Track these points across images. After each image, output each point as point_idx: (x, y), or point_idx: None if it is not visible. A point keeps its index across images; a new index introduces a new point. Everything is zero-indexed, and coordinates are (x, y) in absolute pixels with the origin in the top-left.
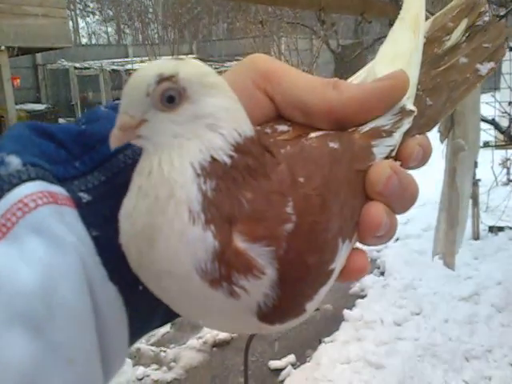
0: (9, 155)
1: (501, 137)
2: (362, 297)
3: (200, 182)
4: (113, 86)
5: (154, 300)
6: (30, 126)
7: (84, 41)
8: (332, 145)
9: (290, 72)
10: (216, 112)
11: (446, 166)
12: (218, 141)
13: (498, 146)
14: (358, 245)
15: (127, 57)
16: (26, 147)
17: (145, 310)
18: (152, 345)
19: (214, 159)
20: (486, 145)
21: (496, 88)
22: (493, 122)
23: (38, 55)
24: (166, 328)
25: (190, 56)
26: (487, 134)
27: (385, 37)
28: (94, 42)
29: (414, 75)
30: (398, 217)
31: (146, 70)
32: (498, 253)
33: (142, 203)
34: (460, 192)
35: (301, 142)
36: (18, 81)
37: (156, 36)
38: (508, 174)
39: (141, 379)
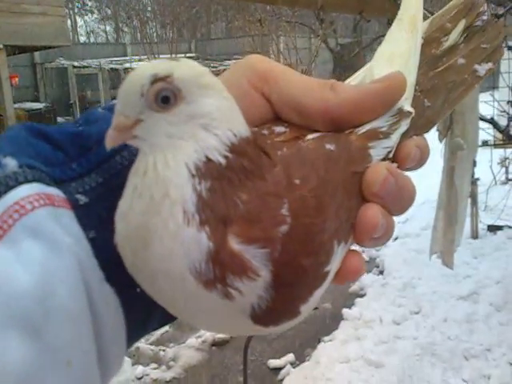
0: (5, 157)
1: (499, 136)
2: (361, 296)
3: (195, 183)
4: (111, 84)
5: (151, 302)
6: (27, 128)
7: (82, 39)
8: (328, 146)
9: (287, 73)
10: (211, 112)
11: (445, 165)
12: (212, 141)
13: (496, 145)
14: (354, 246)
15: (126, 55)
16: (23, 149)
17: (142, 312)
18: (151, 344)
19: (208, 159)
20: (485, 144)
21: (495, 87)
22: (491, 121)
23: (36, 54)
24: (165, 327)
25: (188, 55)
26: (486, 133)
27: (383, 36)
28: (92, 40)
29: (411, 76)
30: (397, 216)
31: (141, 70)
32: (496, 252)
33: (136, 203)
34: (458, 191)
35: (297, 144)
36: (17, 79)
37: (154, 35)
38: (507, 173)
39: (140, 378)
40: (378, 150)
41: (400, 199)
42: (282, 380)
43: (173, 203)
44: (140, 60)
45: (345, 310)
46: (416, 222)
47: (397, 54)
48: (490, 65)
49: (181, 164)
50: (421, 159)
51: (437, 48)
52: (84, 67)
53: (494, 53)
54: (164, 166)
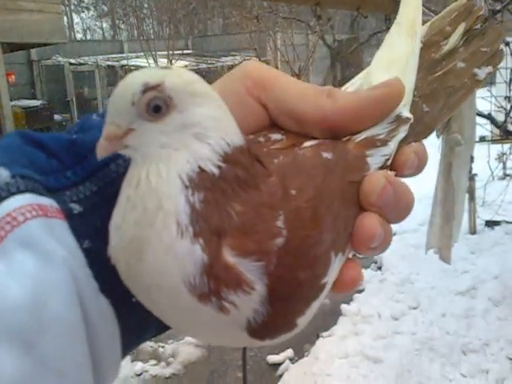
0: None
1: (497, 131)
2: (360, 291)
3: (188, 194)
4: (108, 81)
5: (147, 312)
6: (21, 136)
7: (79, 36)
8: (325, 155)
9: (284, 80)
10: (203, 121)
11: (442, 161)
12: (205, 151)
13: (494, 141)
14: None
15: (122, 52)
16: (17, 158)
17: (137, 321)
18: (150, 340)
19: (201, 170)
20: (482, 140)
21: (492, 83)
22: (489, 117)
23: (33, 51)
24: None
25: (185, 51)
26: (483, 128)
27: (380, 32)
28: (88, 37)
29: (410, 81)
30: (395, 224)
31: (132, 78)
32: (494, 247)
33: (130, 215)
34: (456, 186)
35: (294, 152)
36: (13, 77)
37: (151, 31)
38: (504, 168)
39: (139, 375)
40: (375, 157)
41: (398, 207)
42: (281, 375)
43: (166, 215)
44: (137, 57)
45: (343, 306)
46: (414, 218)
47: (395, 59)
48: (489, 68)
49: (174, 175)
50: (419, 166)
51: (436, 52)
52: (81, 64)
53: (494, 56)
54: (157, 177)
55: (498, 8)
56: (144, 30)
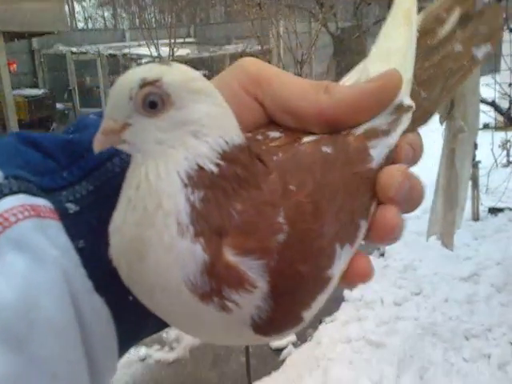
0: None
1: (501, 119)
2: None
3: (188, 193)
4: (110, 70)
5: (144, 310)
6: (17, 136)
7: (80, 25)
8: (325, 149)
9: (280, 76)
10: (201, 119)
11: (444, 148)
12: (203, 148)
13: (497, 128)
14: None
15: (124, 41)
16: (11, 158)
17: (134, 320)
18: None
19: (200, 168)
20: (486, 127)
21: (496, 70)
22: (493, 104)
23: (34, 40)
24: None
25: (187, 39)
26: (487, 115)
27: (384, 19)
28: (90, 26)
29: (409, 71)
30: (407, 214)
31: (131, 73)
32: (497, 234)
33: (130, 216)
34: (459, 173)
35: (293, 149)
36: (15, 66)
37: (153, 20)
38: (508, 155)
39: (143, 360)
40: (378, 148)
41: (412, 200)
42: (283, 360)
43: (166, 214)
44: (139, 45)
45: (346, 292)
46: None
47: (393, 50)
48: (488, 47)
49: (172, 173)
50: (414, 157)
51: (432, 38)
52: (82, 53)
53: (493, 35)
54: (156, 177)
55: None
56: (146, 19)
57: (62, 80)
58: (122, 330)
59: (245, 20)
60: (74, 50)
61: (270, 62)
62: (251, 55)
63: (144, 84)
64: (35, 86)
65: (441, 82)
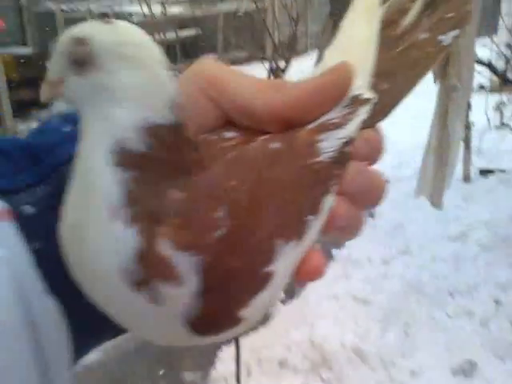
0: None
1: (496, 80)
2: None
3: (117, 171)
4: None
5: (101, 312)
6: None
7: None
8: (272, 145)
9: (236, 78)
10: (125, 88)
11: (437, 107)
12: (126, 121)
13: (492, 90)
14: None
15: None
16: None
17: (92, 322)
18: None
19: (127, 143)
20: (481, 88)
21: (494, 29)
22: (489, 64)
23: None
24: None
25: None
26: (482, 76)
27: None
28: None
29: (368, 62)
30: (390, 160)
31: (71, 30)
32: (487, 195)
33: (70, 200)
34: (451, 133)
35: (242, 147)
36: (2, 24)
37: None
38: (501, 117)
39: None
40: (329, 141)
41: (369, 194)
42: (271, 315)
43: (97, 196)
44: (131, 2)
45: (334, 250)
46: (408, 166)
47: (354, 42)
48: (456, 32)
49: (99, 148)
50: (372, 153)
51: (395, 29)
52: (73, 11)
53: (462, 20)
54: (85, 152)
55: None
56: None
57: (51, 39)
58: (79, 333)
59: None
60: (64, 7)
61: (264, 21)
62: (246, 13)
63: (74, 41)
64: (24, 43)
65: (403, 72)
